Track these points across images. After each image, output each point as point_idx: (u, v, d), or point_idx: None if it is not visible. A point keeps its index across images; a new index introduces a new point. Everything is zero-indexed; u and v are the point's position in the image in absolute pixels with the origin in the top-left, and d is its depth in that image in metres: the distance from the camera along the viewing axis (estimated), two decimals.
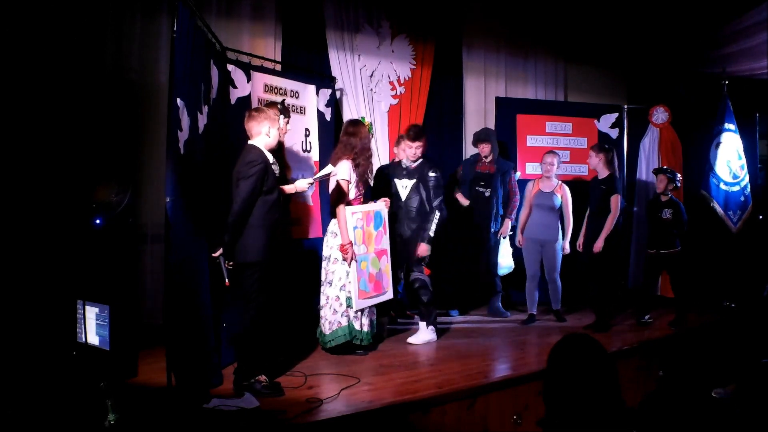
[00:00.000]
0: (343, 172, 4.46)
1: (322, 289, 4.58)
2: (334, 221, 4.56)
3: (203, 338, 3.75)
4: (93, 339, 3.88)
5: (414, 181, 5.08)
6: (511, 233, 6.01)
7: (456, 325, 5.71)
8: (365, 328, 4.53)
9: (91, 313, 3.89)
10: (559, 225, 5.66)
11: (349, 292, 4.46)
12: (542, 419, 1.87)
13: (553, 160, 5.62)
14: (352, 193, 4.53)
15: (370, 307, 4.61)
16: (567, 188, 5.68)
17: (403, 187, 5.14)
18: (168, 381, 3.27)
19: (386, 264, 4.83)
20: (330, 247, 4.54)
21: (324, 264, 4.58)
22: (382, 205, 4.82)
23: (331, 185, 4.53)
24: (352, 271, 4.46)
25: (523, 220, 5.73)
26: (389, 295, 4.88)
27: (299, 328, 5.08)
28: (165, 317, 3.59)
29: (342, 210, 4.44)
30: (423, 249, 5.00)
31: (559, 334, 4.87)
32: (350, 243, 4.42)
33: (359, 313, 4.49)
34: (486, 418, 3.83)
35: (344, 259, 4.44)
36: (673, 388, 2.24)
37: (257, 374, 3.67)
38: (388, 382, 3.93)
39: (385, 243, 4.85)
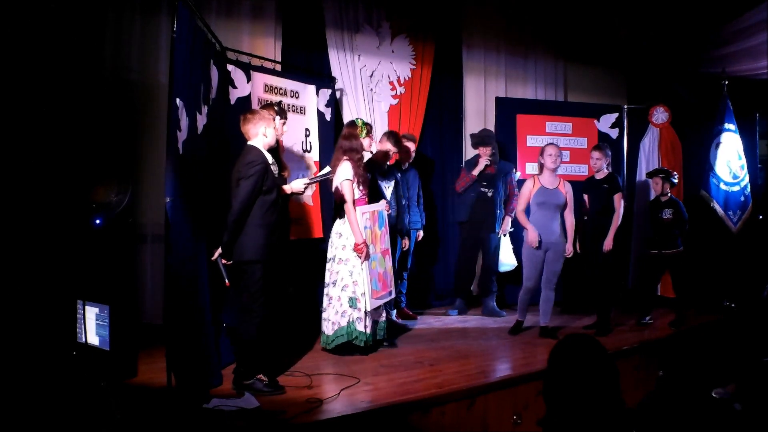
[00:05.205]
0: (346, 172, 4.47)
1: (325, 290, 4.58)
2: (338, 222, 4.57)
3: (203, 338, 3.75)
4: (93, 339, 3.89)
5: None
6: (511, 230, 6.01)
7: (454, 325, 5.70)
8: (368, 330, 4.52)
9: (91, 313, 3.89)
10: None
11: (353, 292, 4.46)
12: (542, 419, 1.87)
13: (558, 151, 5.11)
14: (357, 193, 4.54)
15: (378, 308, 4.62)
16: (569, 185, 5.19)
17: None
18: (168, 381, 3.27)
19: (390, 263, 4.86)
20: (335, 247, 4.55)
21: (328, 265, 4.58)
22: (383, 206, 4.85)
23: (336, 187, 4.54)
24: (364, 270, 4.47)
25: (525, 221, 5.07)
26: (393, 293, 4.94)
27: (299, 328, 5.08)
28: (165, 317, 3.60)
29: (353, 210, 4.46)
30: None
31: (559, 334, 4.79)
32: (365, 242, 4.44)
33: (364, 314, 4.48)
34: (486, 418, 3.83)
35: (358, 257, 4.45)
36: (673, 388, 2.23)
37: (257, 374, 3.68)
38: (388, 382, 3.93)
39: (387, 242, 4.88)
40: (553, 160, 5.06)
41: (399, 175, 5.58)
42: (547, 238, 5.03)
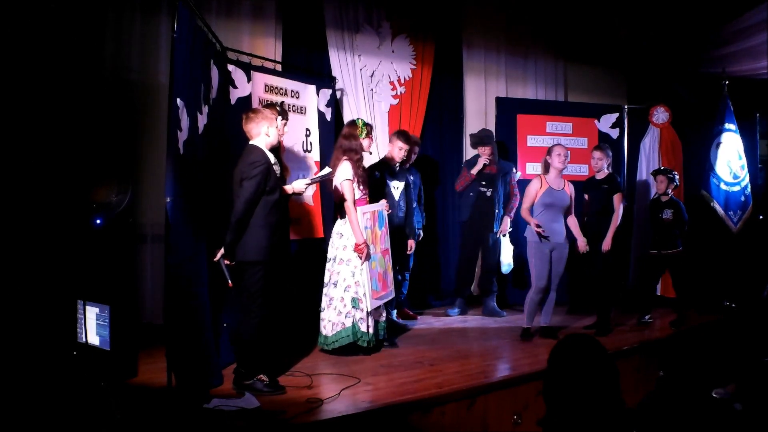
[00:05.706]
0: (346, 172, 4.47)
1: (325, 290, 4.56)
2: (339, 222, 4.56)
3: (203, 338, 3.76)
4: (93, 339, 3.89)
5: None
6: (510, 229, 6.02)
7: (454, 325, 5.70)
8: (371, 330, 4.51)
9: (92, 313, 3.90)
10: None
11: (356, 293, 4.44)
12: (542, 419, 1.87)
13: (566, 151, 5.10)
14: (357, 193, 4.53)
15: (378, 308, 4.61)
16: (572, 186, 5.21)
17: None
18: (168, 381, 3.27)
19: (389, 263, 4.86)
20: (335, 248, 4.54)
21: (328, 265, 4.56)
22: (383, 205, 4.84)
23: (336, 187, 4.53)
24: (364, 271, 4.46)
25: (532, 220, 5.00)
26: (392, 293, 4.92)
27: (299, 328, 5.08)
28: (165, 317, 3.60)
29: (354, 210, 4.44)
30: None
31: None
32: (365, 242, 4.43)
33: (366, 315, 4.47)
34: (486, 418, 3.83)
35: (359, 258, 4.43)
36: (673, 388, 2.23)
37: (258, 374, 3.68)
38: (388, 382, 3.93)
39: (387, 242, 4.87)
40: (561, 160, 5.04)
41: (411, 177, 5.58)
42: (553, 239, 5.00)
